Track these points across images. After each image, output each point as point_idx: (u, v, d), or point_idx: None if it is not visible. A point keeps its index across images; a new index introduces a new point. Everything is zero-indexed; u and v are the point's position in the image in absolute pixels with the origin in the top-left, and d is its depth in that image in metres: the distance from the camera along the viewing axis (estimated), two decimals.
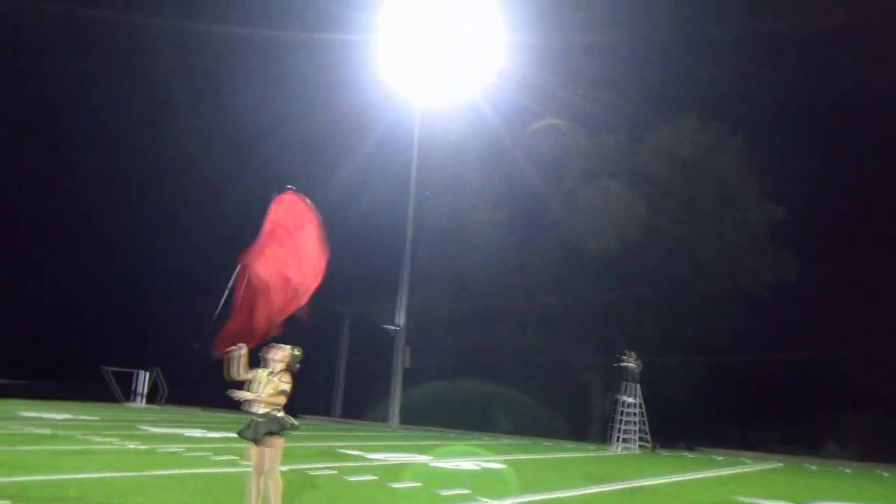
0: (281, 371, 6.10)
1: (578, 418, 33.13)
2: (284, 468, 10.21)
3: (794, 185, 29.05)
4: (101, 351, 35.64)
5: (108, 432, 15.27)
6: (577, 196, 31.15)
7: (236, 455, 11.54)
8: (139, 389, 38.83)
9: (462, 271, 35.41)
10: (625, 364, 20.07)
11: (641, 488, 11.57)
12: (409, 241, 29.28)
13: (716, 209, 29.94)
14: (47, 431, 14.41)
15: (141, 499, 7.25)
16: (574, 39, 33.37)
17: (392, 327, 28.17)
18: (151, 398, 38.67)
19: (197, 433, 16.59)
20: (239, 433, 6.22)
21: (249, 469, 6.32)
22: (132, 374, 38.44)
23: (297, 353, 6.18)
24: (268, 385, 6.04)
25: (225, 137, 38.94)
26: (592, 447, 20.78)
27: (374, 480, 9.74)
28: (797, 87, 30.67)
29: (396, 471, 11.30)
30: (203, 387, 39.13)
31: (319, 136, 36.45)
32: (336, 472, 10.38)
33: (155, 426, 18.12)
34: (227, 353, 5.92)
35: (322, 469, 10.55)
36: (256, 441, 6.06)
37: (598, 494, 10.41)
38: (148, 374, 38.97)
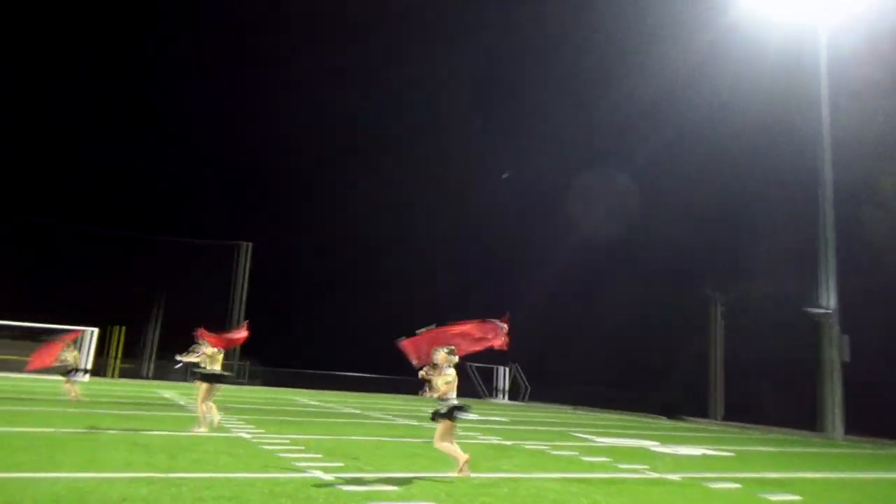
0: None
1: None
2: None
3: None
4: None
5: (562, 443, 12.61)
6: None
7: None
8: (500, 385, 38.29)
9: (871, 239, 27.55)
10: None
11: None
12: (828, 201, 22.82)
13: None
14: (493, 439, 12.29)
15: None
16: None
17: (820, 310, 22.10)
18: (512, 394, 37.90)
19: (655, 445, 13.17)
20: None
21: None
22: (492, 369, 38.07)
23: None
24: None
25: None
26: None
27: None
28: None
29: None
30: (564, 384, 37.47)
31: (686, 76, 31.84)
32: None
33: (588, 432, 15.33)
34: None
35: None
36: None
37: None
38: (507, 370, 38.28)
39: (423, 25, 40.16)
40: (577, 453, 10.67)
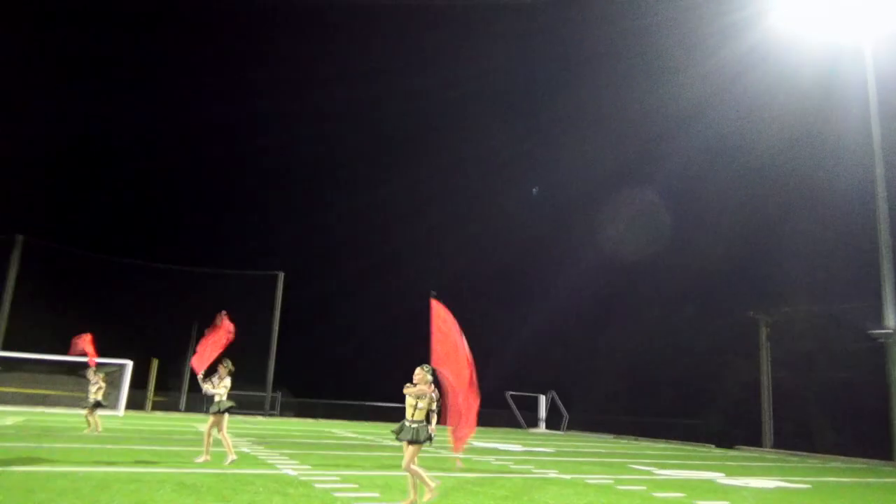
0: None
1: None
2: None
3: None
4: (504, 377, 34.71)
5: (625, 476, 11.84)
6: None
7: None
8: (540, 414, 37.25)
9: None
10: None
11: None
12: (883, 217, 21.80)
13: None
14: (550, 473, 11.57)
15: None
16: None
17: (881, 331, 21.03)
18: (550, 422, 36.79)
19: (720, 477, 12.31)
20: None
21: None
22: (531, 398, 37.08)
23: None
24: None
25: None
26: None
27: None
28: None
29: None
30: (605, 412, 36.31)
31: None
32: None
33: (645, 463, 14.49)
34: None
35: None
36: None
37: None
38: (545, 398, 37.25)
39: (447, 36, 40.21)
40: (645, 488, 9.93)
